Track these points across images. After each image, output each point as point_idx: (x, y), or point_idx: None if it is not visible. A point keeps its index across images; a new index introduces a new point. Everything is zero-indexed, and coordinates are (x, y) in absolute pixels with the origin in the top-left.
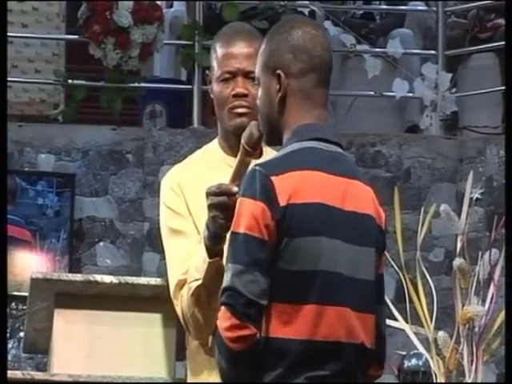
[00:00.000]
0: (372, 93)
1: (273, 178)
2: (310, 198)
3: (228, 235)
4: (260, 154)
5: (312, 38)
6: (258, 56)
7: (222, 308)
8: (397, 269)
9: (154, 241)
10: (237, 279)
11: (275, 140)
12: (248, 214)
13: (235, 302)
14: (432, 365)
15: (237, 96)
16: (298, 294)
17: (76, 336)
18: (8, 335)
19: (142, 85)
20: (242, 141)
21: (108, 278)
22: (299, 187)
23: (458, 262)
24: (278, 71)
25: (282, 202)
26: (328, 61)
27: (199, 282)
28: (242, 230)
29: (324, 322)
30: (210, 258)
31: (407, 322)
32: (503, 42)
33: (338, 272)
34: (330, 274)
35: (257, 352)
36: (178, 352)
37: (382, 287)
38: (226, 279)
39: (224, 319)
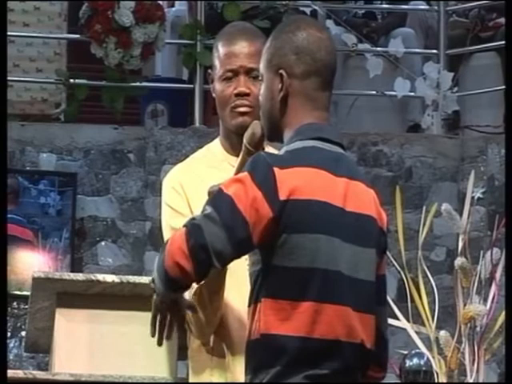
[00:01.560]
0: (374, 92)
1: (276, 170)
2: (311, 195)
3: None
4: None
5: (317, 40)
6: (262, 52)
7: (183, 230)
8: (398, 268)
9: (155, 240)
10: (209, 223)
11: (276, 137)
12: (241, 187)
13: (195, 237)
14: (433, 364)
15: (239, 95)
16: (296, 291)
17: (78, 335)
18: (9, 334)
19: (144, 84)
20: (244, 140)
21: (110, 278)
22: (302, 183)
23: (459, 261)
24: (281, 71)
25: (282, 196)
26: (331, 64)
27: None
28: (231, 193)
29: (323, 319)
30: None
31: (409, 321)
32: (504, 42)
33: (338, 271)
34: (329, 272)
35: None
36: (180, 351)
37: (384, 288)
38: (202, 215)
39: (179, 239)
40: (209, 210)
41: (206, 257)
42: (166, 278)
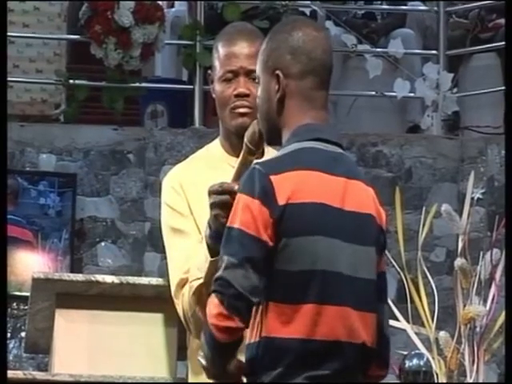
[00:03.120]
0: (373, 93)
1: (272, 178)
2: (308, 198)
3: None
4: (262, 154)
5: (312, 39)
6: (259, 54)
7: (212, 295)
8: (398, 269)
9: (155, 241)
10: (229, 271)
11: (275, 139)
12: (245, 210)
13: (225, 291)
14: (433, 365)
15: (239, 96)
16: (297, 295)
17: (77, 336)
18: (9, 335)
19: (144, 85)
20: (245, 139)
21: (109, 278)
22: (298, 187)
23: (459, 261)
24: (277, 71)
25: (281, 202)
26: (328, 64)
27: (201, 280)
28: (237, 225)
29: (323, 321)
30: (211, 256)
31: (408, 322)
32: (504, 42)
33: (338, 271)
34: (329, 273)
35: (238, 347)
36: (179, 351)
37: (385, 286)
38: (219, 270)
39: (213, 306)
40: (225, 258)
41: (244, 303)
42: (222, 349)
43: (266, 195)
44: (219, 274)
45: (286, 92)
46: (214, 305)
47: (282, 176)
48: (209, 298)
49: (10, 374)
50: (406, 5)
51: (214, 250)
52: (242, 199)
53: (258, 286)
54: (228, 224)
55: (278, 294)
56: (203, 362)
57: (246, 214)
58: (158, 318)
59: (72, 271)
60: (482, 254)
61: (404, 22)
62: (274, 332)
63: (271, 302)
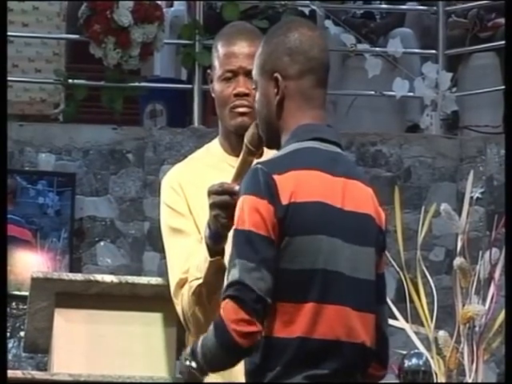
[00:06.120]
0: (372, 92)
1: (275, 177)
2: (310, 197)
3: (231, 233)
4: (261, 154)
5: (308, 39)
6: (255, 59)
7: (229, 301)
8: (397, 268)
9: (154, 240)
10: (247, 275)
11: (275, 143)
12: (253, 211)
13: (245, 296)
14: (432, 364)
15: (238, 95)
16: (299, 293)
17: (76, 335)
18: (8, 335)
19: (143, 84)
20: (245, 140)
21: (108, 278)
22: (300, 186)
23: (458, 261)
24: (276, 74)
25: (284, 201)
26: (325, 62)
27: (200, 280)
28: (248, 227)
29: (323, 320)
30: (211, 257)
31: (407, 322)
32: (504, 42)
33: (338, 271)
34: (330, 272)
35: (256, 349)
36: (179, 351)
37: (384, 287)
38: (234, 274)
39: (232, 311)
40: (239, 261)
41: (263, 306)
42: (242, 353)
43: (272, 195)
44: (235, 278)
45: (284, 94)
46: (233, 310)
47: (285, 176)
48: (222, 304)
49: (9, 373)
50: (404, 4)
51: (213, 251)
52: (248, 200)
53: (272, 287)
54: (238, 226)
55: (280, 293)
56: (193, 364)
57: (256, 215)
58: (157, 317)
59: (71, 271)
60: (481, 253)
61: (403, 21)
62: (276, 332)
63: (274, 301)
